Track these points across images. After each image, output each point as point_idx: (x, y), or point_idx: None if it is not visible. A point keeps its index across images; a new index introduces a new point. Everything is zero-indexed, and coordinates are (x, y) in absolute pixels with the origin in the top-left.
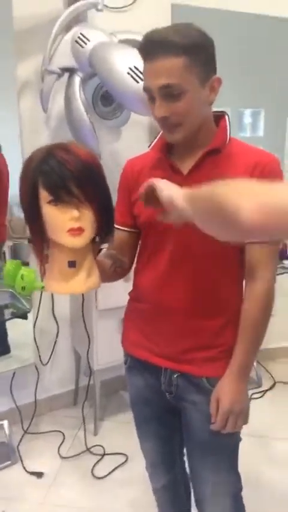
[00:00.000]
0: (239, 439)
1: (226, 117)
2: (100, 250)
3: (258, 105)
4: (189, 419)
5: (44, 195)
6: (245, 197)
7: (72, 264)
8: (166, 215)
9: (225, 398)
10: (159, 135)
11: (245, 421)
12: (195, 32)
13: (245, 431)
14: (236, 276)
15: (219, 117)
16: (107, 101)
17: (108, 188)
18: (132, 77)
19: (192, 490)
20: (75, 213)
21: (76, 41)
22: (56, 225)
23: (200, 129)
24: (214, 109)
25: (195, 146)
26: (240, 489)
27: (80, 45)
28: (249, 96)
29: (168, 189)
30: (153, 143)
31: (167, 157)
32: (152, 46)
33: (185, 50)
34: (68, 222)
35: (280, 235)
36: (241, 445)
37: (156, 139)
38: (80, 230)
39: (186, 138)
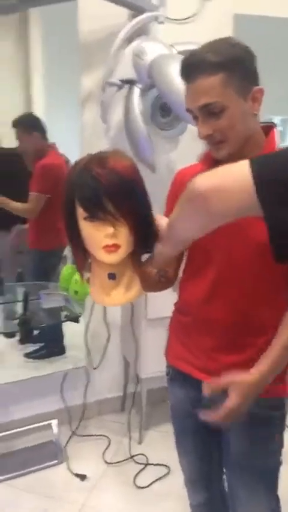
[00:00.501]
0: (280, 463)
1: (275, 128)
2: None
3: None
4: (228, 437)
5: (80, 211)
6: (198, 176)
7: (112, 276)
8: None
9: (239, 399)
10: (207, 148)
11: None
12: (232, 46)
13: (286, 455)
14: (283, 293)
15: (268, 128)
16: (165, 111)
17: (148, 201)
18: None
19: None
20: (110, 230)
21: (136, 54)
22: (91, 241)
23: (247, 141)
24: None
25: (243, 158)
26: None
27: (140, 58)
28: (279, 103)
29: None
30: (201, 156)
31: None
32: (189, 68)
33: (221, 67)
34: (103, 239)
35: (232, 199)
36: (283, 470)
37: (204, 152)
38: (115, 247)
39: (233, 153)
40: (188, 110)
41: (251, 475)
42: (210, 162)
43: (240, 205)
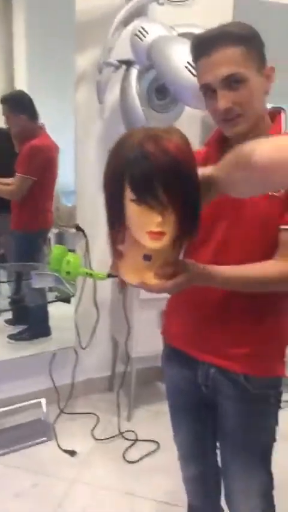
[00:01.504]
0: (274, 440)
1: (282, 113)
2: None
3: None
4: (223, 414)
5: (128, 192)
6: (260, 142)
7: (147, 258)
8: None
9: (184, 281)
10: (214, 132)
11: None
12: (245, 24)
13: (282, 434)
14: None
15: (275, 113)
16: (161, 94)
17: (198, 185)
18: (189, 70)
19: (222, 485)
20: (158, 219)
21: (136, 34)
22: (136, 224)
23: (258, 122)
24: None
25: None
26: (272, 489)
27: (140, 38)
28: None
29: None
30: (207, 140)
31: (220, 152)
32: (208, 41)
33: (242, 39)
34: (149, 225)
35: None
36: (277, 448)
37: (210, 136)
38: (160, 234)
39: (246, 132)
40: (203, 86)
41: (245, 450)
42: (218, 142)
43: None
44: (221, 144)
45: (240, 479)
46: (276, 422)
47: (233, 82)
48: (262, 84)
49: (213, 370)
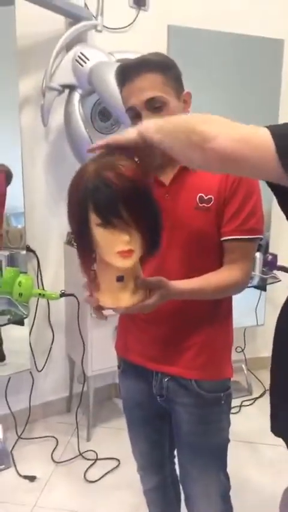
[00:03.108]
0: (228, 440)
1: None
2: None
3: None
4: (178, 421)
5: (93, 218)
6: (222, 128)
7: (120, 279)
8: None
9: (158, 299)
10: None
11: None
12: (163, 54)
13: (236, 437)
14: None
15: None
16: (104, 116)
17: (156, 205)
18: None
19: (182, 491)
20: (125, 238)
21: (76, 60)
22: (105, 247)
23: None
24: None
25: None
26: (229, 489)
27: (80, 64)
28: (235, 114)
29: (132, 132)
30: None
31: None
32: (131, 69)
33: (160, 67)
34: (118, 245)
35: (243, 164)
36: (231, 450)
37: None
38: (130, 252)
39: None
40: (128, 109)
41: (202, 454)
42: None
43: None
44: None
45: (200, 483)
46: (228, 423)
47: (155, 105)
48: (181, 107)
49: (166, 379)
